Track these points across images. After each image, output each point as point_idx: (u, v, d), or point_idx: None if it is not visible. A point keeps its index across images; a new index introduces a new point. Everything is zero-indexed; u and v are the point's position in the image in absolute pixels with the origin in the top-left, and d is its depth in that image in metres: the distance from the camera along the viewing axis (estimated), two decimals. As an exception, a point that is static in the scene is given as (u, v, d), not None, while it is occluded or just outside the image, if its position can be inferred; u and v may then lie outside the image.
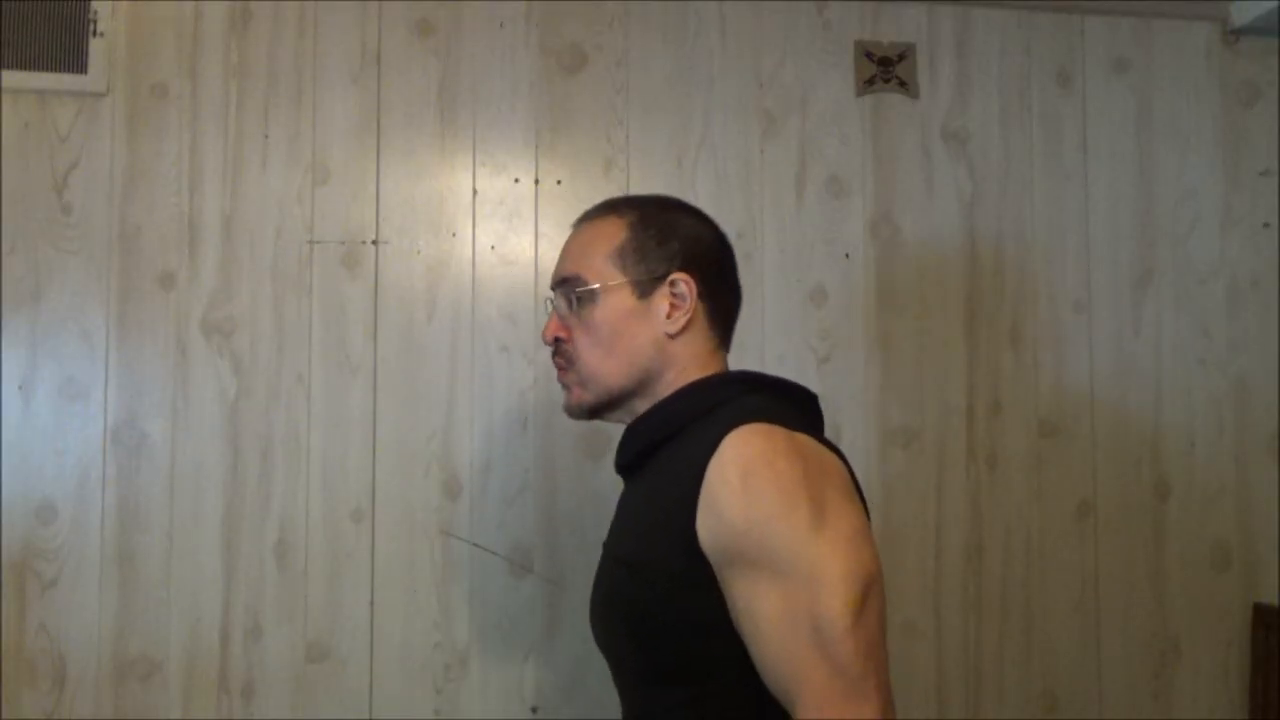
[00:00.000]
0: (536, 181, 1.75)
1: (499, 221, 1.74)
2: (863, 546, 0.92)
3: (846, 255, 1.82)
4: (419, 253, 1.72)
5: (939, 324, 1.83)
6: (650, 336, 1.05)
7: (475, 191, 1.74)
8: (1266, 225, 1.94)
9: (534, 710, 1.68)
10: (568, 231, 1.74)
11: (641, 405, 1.08)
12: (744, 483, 0.90)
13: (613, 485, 1.71)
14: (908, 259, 1.83)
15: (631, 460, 1.08)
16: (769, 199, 1.80)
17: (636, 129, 1.78)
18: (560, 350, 1.10)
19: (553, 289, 1.12)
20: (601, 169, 1.76)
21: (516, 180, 1.75)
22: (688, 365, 1.06)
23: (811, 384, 1.76)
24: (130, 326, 1.64)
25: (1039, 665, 1.81)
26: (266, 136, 1.69)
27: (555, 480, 1.72)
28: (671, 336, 1.05)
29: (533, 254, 1.74)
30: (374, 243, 1.70)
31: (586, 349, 1.07)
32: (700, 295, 1.05)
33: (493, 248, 1.74)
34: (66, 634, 1.59)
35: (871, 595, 0.89)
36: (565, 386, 1.11)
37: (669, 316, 1.05)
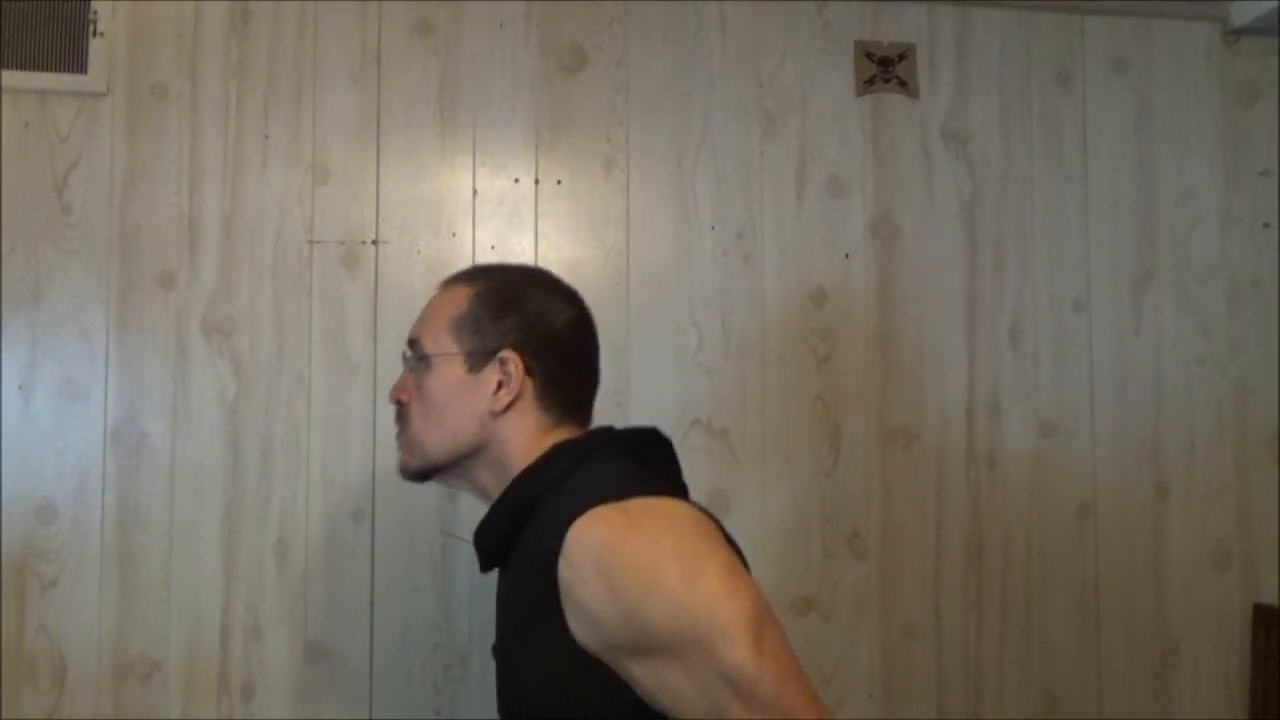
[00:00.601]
0: (536, 181, 1.75)
1: (499, 221, 1.74)
2: (737, 580, 0.88)
3: (846, 255, 1.82)
4: (419, 253, 1.72)
5: (939, 324, 1.83)
6: (474, 411, 1.04)
7: (475, 191, 1.74)
8: (1266, 225, 1.94)
9: (534, 710, 1.67)
10: (568, 231, 1.75)
11: (481, 474, 1.07)
12: (602, 578, 0.87)
13: (613, 485, 1.72)
14: (908, 259, 1.83)
15: (493, 557, 1.05)
16: (769, 199, 1.80)
17: (636, 129, 1.78)
18: (399, 412, 1.10)
19: (406, 347, 1.11)
20: (601, 169, 1.76)
21: (516, 180, 1.75)
22: (512, 444, 1.04)
23: (811, 384, 1.79)
24: (130, 326, 1.64)
25: (1039, 665, 1.81)
26: (266, 136, 1.69)
27: (555, 480, 1.71)
28: (495, 414, 1.03)
29: (533, 254, 1.74)
30: (374, 243, 1.70)
31: (417, 415, 1.07)
32: (530, 373, 1.04)
33: (493, 248, 1.74)
34: (66, 634, 1.59)
35: (765, 623, 0.86)
36: (399, 448, 1.11)
37: (495, 393, 1.03)
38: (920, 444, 1.81)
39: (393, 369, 1.68)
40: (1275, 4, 1.84)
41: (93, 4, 1.66)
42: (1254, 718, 1.85)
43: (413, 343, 1.09)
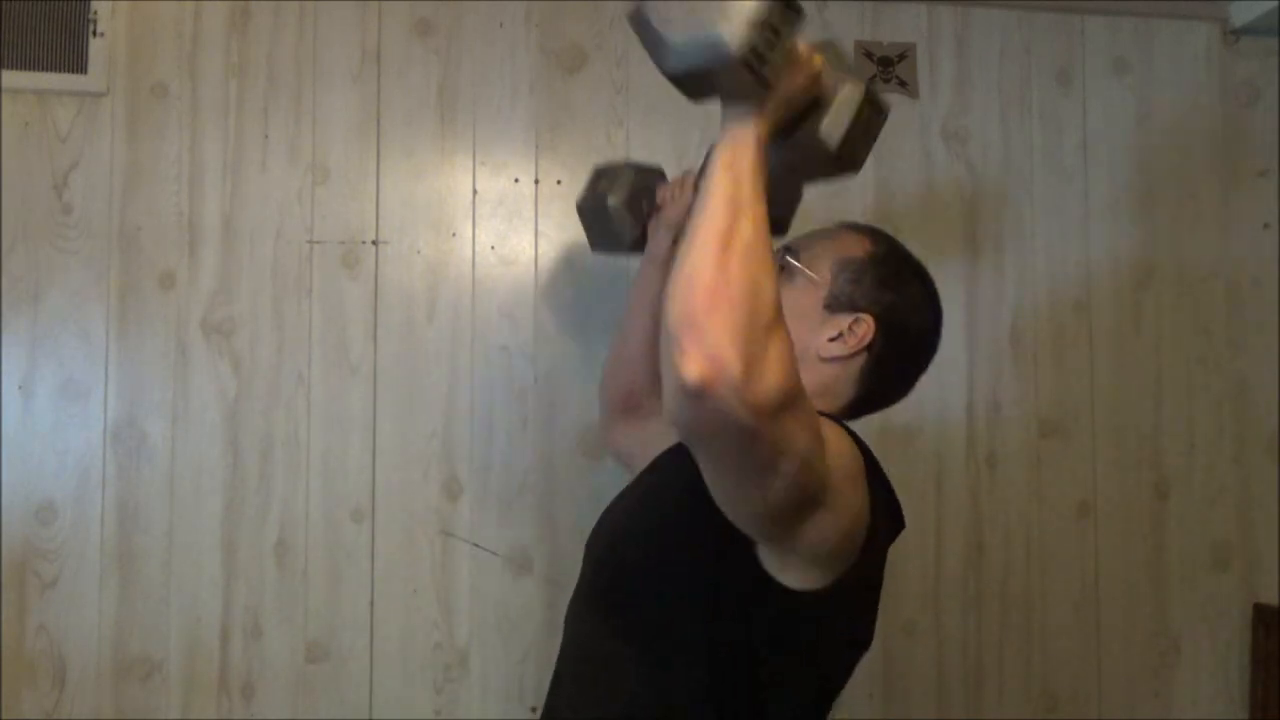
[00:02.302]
0: (536, 181, 1.75)
1: (499, 221, 1.74)
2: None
3: (846, 255, 1.82)
4: (419, 253, 1.72)
5: (939, 324, 1.83)
6: (804, 340, 1.04)
7: (475, 191, 1.74)
8: (1266, 225, 1.94)
9: (534, 710, 1.68)
10: (568, 231, 1.75)
11: None
12: None
13: (613, 485, 1.71)
14: (908, 259, 1.83)
15: None
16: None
17: (636, 129, 1.78)
18: None
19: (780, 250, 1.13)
20: (601, 169, 1.76)
21: (516, 180, 1.75)
22: (812, 389, 1.05)
23: (811, 384, 1.78)
24: (130, 326, 1.64)
25: (1039, 665, 1.81)
26: (266, 136, 1.69)
27: (555, 480, 1.72)
28: (820, 358, 1.05)
29: (533, 254, 1.74)
30: (374, 243, 1.70)
31: None
32: (869, 349, 1.05)
33: (493, 248, 1.74)
34: (66, 634, 1.59)
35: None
36: None
37: (830, 340, 1.05)
38: (920, 444, 1.81)
39: (393, 369, 1.69)
40: (1275, 4, 1.84)
41: (93, 4, 1.65)
42: (1254, 718, 1.85)
43: (790, 249, 1.11)
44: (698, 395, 0.74)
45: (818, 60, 0.93)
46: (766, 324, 0.77)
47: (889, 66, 1.85)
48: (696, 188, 0.97)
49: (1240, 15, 1.92)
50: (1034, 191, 1.88)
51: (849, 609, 1.00)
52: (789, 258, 1.09)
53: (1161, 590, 1.86)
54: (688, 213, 0.92)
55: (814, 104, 0.95)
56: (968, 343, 1.84)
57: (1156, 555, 1.87)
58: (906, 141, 1.85)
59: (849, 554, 0.94)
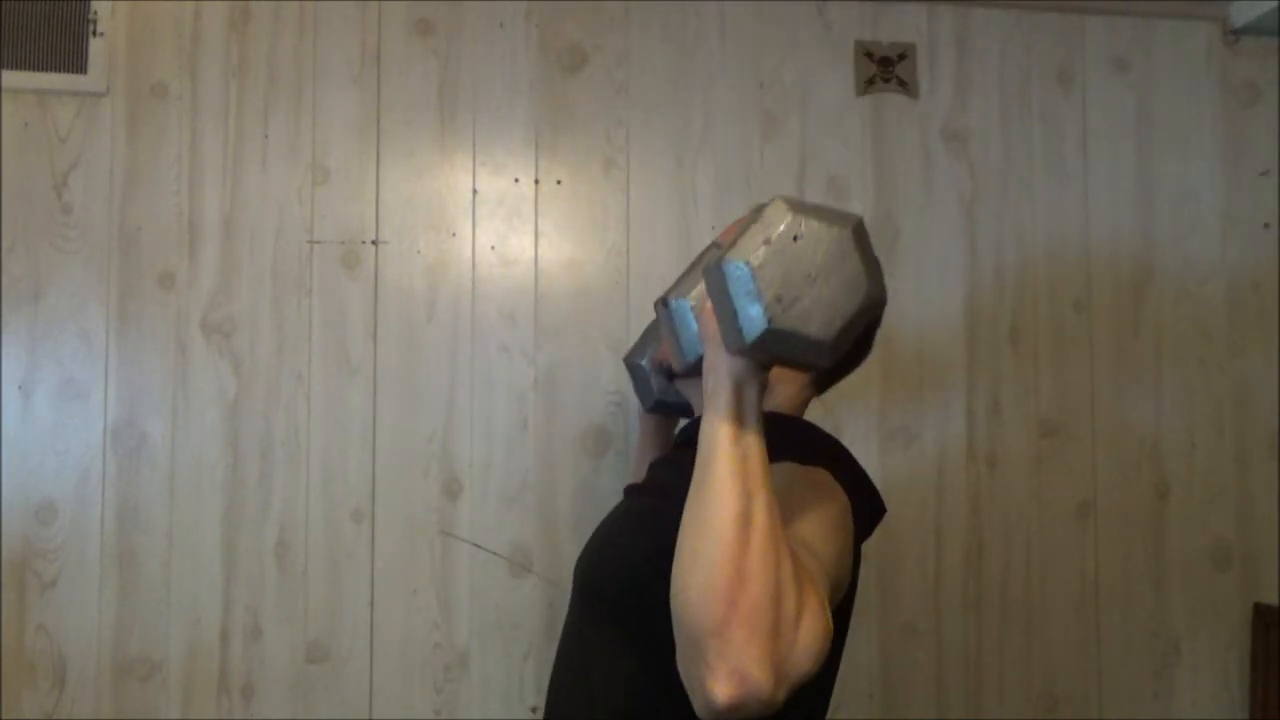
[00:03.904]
0: (536, 181, 1.75)
1: (499, 221, 1.74)
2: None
3: (846, 255, 1.81)
4: (419, 253, 1.72)
5: (939, 324, 1.83)
6: None
7: (475, 191, 1.74)
8: (1266, 225, 1.94)
9: (534, 710, 1.68)
10: (568, 231, 1.75)
11: None
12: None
13: (613, 485, 1.72)
14: (908, 259, 1.83)
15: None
16: (769, 199, 1.79)
17: (636, 129, 1.78)
18: None
19: None
20: (601, 169, 1.76)
21: (516, 180, 1.75)
22: (770, 380, 1.06)
23: (811, 384, 1.78)
24: (130, 326, 1.64)
25: (1039, 665, 1.81)
26: (266, 136, 1.69)
27: (555, 480, 1.72)
28: None
29: (533, 254, 1.74)
30: (374, 243, 1.70)
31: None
32: None
33: (493, 248, 1.74)
34: (66, 634, 1.59)
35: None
36: None
37: None
38: (920, 444, 1.81)
39: (393, 369, 1.68)
40: (1275, 4, 1.84)
41: (93, 4, 1.65)
42: (1254, 718, 1.85)
43: (718, 245, 1.10)
44: (728, 713, 0.69)
45: None
46: (792, 617, 0.71)
47: (889, 66, 1.85)
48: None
49: (1240, 15, 1.92)
50: (1034, 191, 1.88)
51: (835, 617, 0.99)
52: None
53: (1161, 590, 1.86)
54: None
55: None
56: (968, 343, 1.84)
57: (1156, 555, 1.87)
58: (906, 141, 1.85)
59: (841, 590, 0.94)
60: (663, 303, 0.94)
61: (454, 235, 1.73)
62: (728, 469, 0.74)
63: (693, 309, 0.91)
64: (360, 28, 1.72)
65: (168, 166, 1.66)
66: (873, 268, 0.72)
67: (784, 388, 1.10)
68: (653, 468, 1.19)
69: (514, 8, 1.76)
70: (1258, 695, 1.84)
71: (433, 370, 1.70)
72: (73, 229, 1.63)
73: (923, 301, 1.83)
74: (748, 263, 0.70)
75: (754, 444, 0.75)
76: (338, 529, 1.66)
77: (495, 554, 1.69)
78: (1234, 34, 1.95)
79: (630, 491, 1.20)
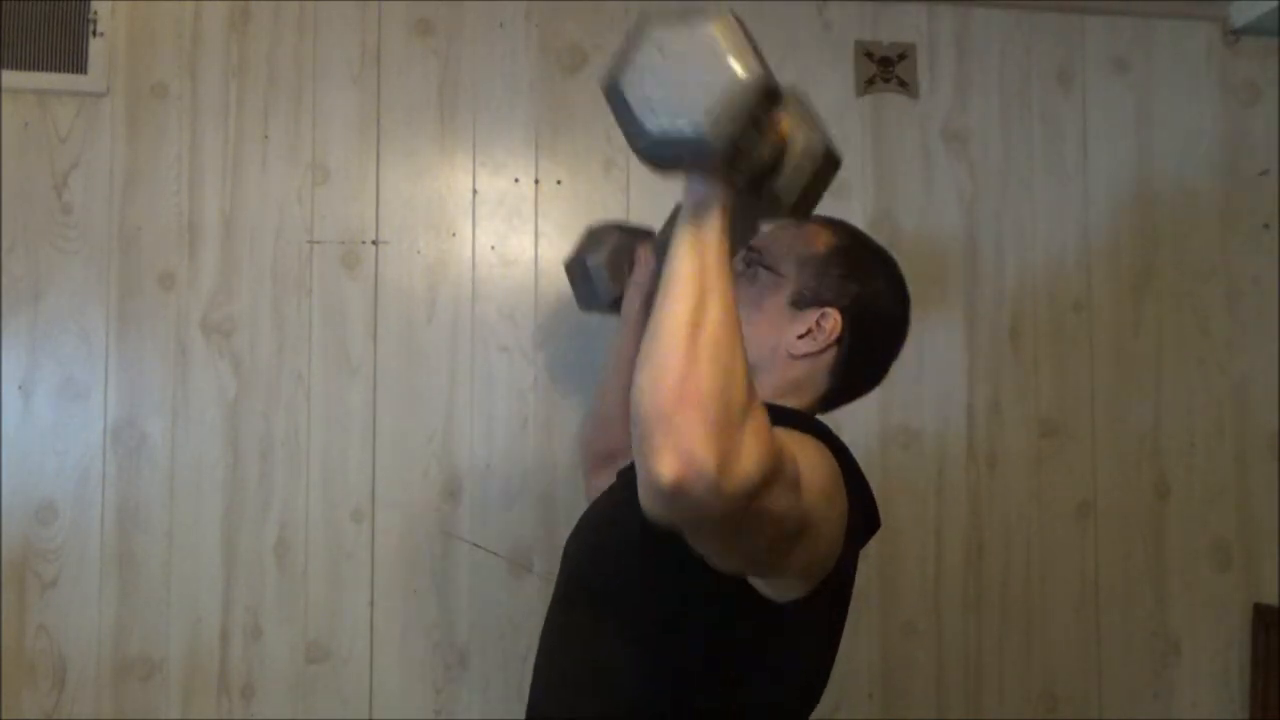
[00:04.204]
0: (536, 181, 1.75)
1: (499, 221, 1.74)
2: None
3: (846, 255, 1.82)
4: (419, 253, 1.72)
5: (939, 324, 1.83)
6: (770, 339, 1.06)
7: (475, 191, 1.74)
8: (1266, 225, 1.94)
9: (534, 710, 1.68)
10: (568, 231, 1.75)
11: None
12: None
13: (613, 485, 1.71)
14: (908, 259, 1.82)
15: None
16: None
17: (636, 129, 1.78)
18: None
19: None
20: (601, 169, 1.76)
21: (516, 180, 1.75)
22: (785, 386, 1.06)
23: (811, 384, 1.78)
24: (130, 326, 1.64)
25: (1039, 665, 1.81)
26: (266, 136, 1.69)
27: (555, 480, 1.71)
28: (791, 356, 1.06)
29: (533, 254, 1.74)
30: (374, 243, 1.70)
31: None
32: (838, 342, 1.05)
33: (493, 248, 1.74)
34: (66, 634, 1.59)
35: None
36: None
37: (799, 337, 1.05)
38: (920, 444, 1.81)
39: (393, 369, 1.68)
40: (1275, 4, 1.84)
41: (93, 4, 1.65)
42: (1254, 718, 1.85)
43: (752, 249, 1.11)
44: (673, 494, 0.71)
45: (785, 126, 0.91)
46: (740, 411, 0.74)
47: (889, 66, 1.85)
48: (659, 250, 0.97)
49: (1240, 15, 1.92)
50: (1034, 191, 1.88)
51: (827, 611, 0.99)
52: (752, 258, 1.10)
53: (1161, 590, 1.86)
54: (655, 276, 0.90)
55: (775, 161, 0.93)
56: (968, 343, 1.84)
57: (1156, 555, 1.87)
58: (906, 141, 1.85)
59: (830, 563, 0.94)
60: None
61: (454, 235, 1.73)
62: (685, 272, 0.78)
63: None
64: (360, 28, 1.72)
65: (168, 166, 1.66)
66: (743, 53, 0.78)
67: (793, 399, 1.09)
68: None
69: (514, 8, 1.76)
70: (1258, 695, 1.84)
71: (433, 370, 1.70)
72: (73, 229, 1.63)
73: (923, 301, 1.82)
74: (618, 81, 0.78)
75: (712, 250, 0.79)
76: (338, 529, 1.66)
77: (495, 554, 1.69)
78: (1234, 34, 1.95)
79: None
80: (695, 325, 0.75)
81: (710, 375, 0.73)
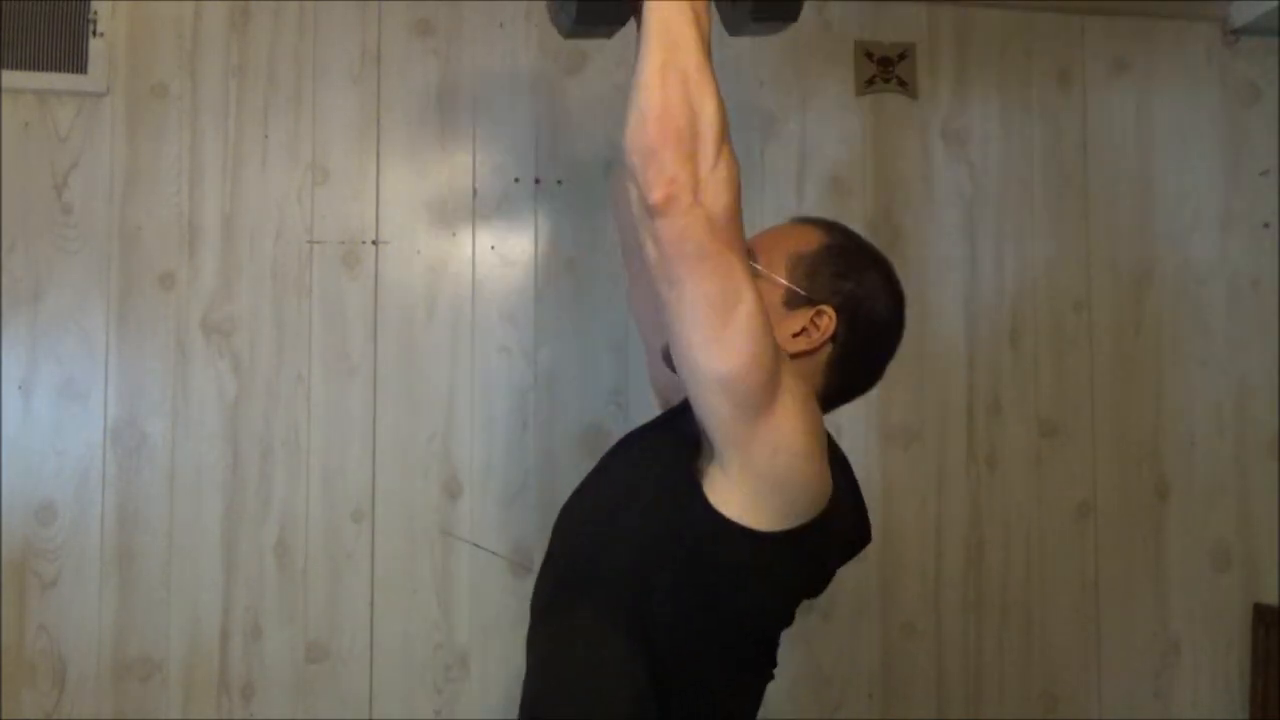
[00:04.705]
0: (536, 181, 1.75)
1: (499, 221, 1.74)
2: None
3: (846, 255, 1.82)
4: (419, 253, 1.72)
5: (939, 325, 1.83)
6: None
7: (475, 191, 1.74)
8: (1266, 225, 1.94)
9: (534, 710, 1.68)
10: (568, 231, 1.75)
11: None
12: None
13: (613, 485, 1.71)
14: (908, 259, 1.83)
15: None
16: (769, 199, 1.80)
17: (636, 129, 1.78)
18: None
19: None
20: (602, 169, 1.76)
21: (516, 180, 1.75)
22: None
23: (811, 384, 1.78)
24: (130, 326, 1.64)
25: (1039, 665, 1.81)
26: (266, 136, 1.69)
27: (555, 480, 1.71)
28: (786, 355, 1.05)
29: (532, 254, 1.74)
30: (374, 243, 1.70)
31: None
32: (834, 340, 1.05)
33: (493, 248, 1.74)
34: (66, 634, 1.59)
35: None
36: None
37: (794, 335, 1.04)
38: (920, 444, 1.81)
39: (393, 369, 1.68)
40: (1275, 4, 1.84)
41: (93, 4, 1.65)
42: (1254, 718, 1.85)
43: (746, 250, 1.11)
44: (663, 211, 0.85)
45: None
46: (714, 142, 0.87)
47: (889, 66, 1.85)
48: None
49: (1240, 15, 1.92)
50: (1034, 191, 1.88)
51: (796, 563, 1.00)
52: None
53: (1161, 590, 1.86)
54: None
55: None
56: (968, 343, 1.84)
57: (1156, 555, 1.87)
58: (906, 141, 1.85)
59: (800, 500, 0.95)
60: None
61: (454, 235, 1.73)
62: (654, 30, 0.89)
63: None
64: (360, 28, 1.72)
65: (168, 166, 1.66)
66: None
67: (790, 374, 1.09)
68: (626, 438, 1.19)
69: (514, 8, 1.76)
70: (1258, 695, 1.84)
71: (433, 370, 1.70)
72: (73, 229, 1.63)
73: (923, 301, 1.83)
74: None
75: (680, 10, 0.89)
76: (338, 529, 1.66)
77: (495, 554, 1.69)
78: (1234, 34, 1.95)
79: (639, 434, 1.18)
80: (666, 76, 0.88)
81: (683, 111, 0.87)
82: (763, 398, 0.89)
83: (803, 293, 1.05)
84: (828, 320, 1.04)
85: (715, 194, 0.86)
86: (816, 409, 0.97)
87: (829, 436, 1.02)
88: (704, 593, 0.97)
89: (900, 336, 1.12)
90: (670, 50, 0.89)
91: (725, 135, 0.89)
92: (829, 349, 1.05)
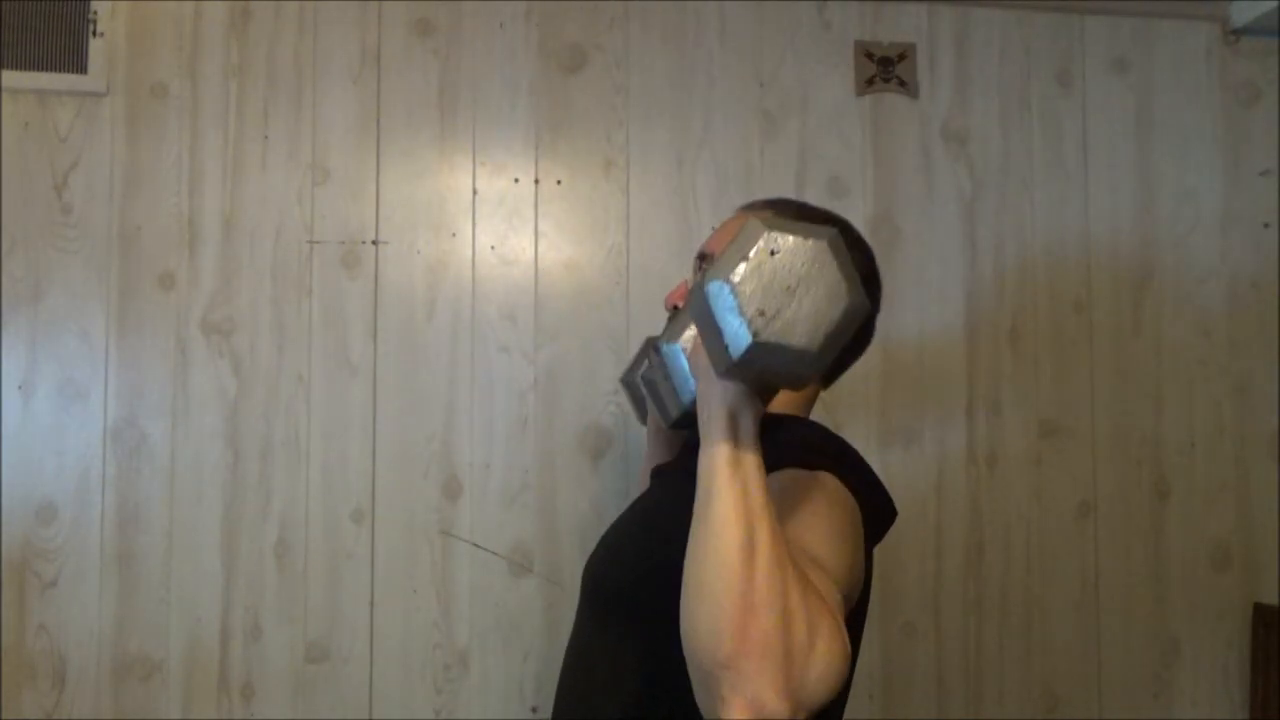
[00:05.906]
0: (536, 181, 1.75)
1: (499, 221, 1.74)
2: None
3: (846, 255, 1.82)
4: (419, 253, 1.72)
5: (939, 324, 1.83)
6: None
7: (475, 191, 1.74)
8: (1266, 225, 1.94)
9: (534, 710, 1.68)
10: (568, 231, 1.75)
11: None
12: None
13: (612, 485, 1.72)
14: (908, 259, 1.83)
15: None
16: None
17: (636, 129, 1.78)
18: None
19: (697, 259, 1.13)
20: (601, 169, 1.76)
21: (516, 180, 1.75)
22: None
23: (811, 384, 1.78)
24: (130, 326, 1.64)
25: (1039, 665, 1.81)
26: (266, 136, 1.69)
27: (555, 480, 1.72)
28: None
29: (532, 254, 1.74)
30: (374, 243, 1.70)
31: None
32: None
33: (493, 248, 1.74)
34: (66, 634, 1.59)
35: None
36: None
37: None
38: (920, 444, 1.81)
39: (393, 369, 1.68)
40: (1275, 4, 1.84)
41: (93, 4, 1.66)
42: (1254, 718, 1.85)
43: (704, 256, 1.10)
44: None
45: None
46: (804, 645, 0.69)
47: (889, 66, 1.85)
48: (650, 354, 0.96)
49: (1240, 15, 1.92)
50: (1034, 191, 1.88)
51: (853, 619, 0.99)
52: (703, 265, 1.10)
53: (1161, 590, 1.86)
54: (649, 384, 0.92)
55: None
56: (968, 343, 1.84)
57: (1156, 555, 1.87)
58: (906, 141, 1.85)
59: (856, 592, 0.93)
60: (654, 349, 0.94)
61: (454, 235, 1.73)
62: (728, 501, 0.73)
63: (682, 349, 0.91)
64: (360, 28, 1.72)
65: (168, 167, 1.66)
66: (852, 278, 0.72)
67: (790, 405, 1.09)
68: (658, 471, 1.18)
69: (514, 8, 1.76)
70: (1258, 695, 1.84)
71: (433, 370, 1.70)
72: (73, 229, 1.63)
73: (923, 301, 1.83)
74: (727, 280, 0.70)
75: (753, 471, 0.74)
76: (338, 529, 1.66)
77: (495, 554, 1.69)
78: (1234, 34, 1.95)
79: (655, 474, 1.18)
80: (748, 564, 0.70)
81: (771, 616, 0.69)
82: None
83: None
84: None
85: (810, 701, 0.69)
86: (846, 510, 0.92)
87: (829, 435, 1.02)
88: None
89: (879, 294, 1.11)
90: (750, 524, 0.71)
91: (814, 618, 0.70)
92: None
